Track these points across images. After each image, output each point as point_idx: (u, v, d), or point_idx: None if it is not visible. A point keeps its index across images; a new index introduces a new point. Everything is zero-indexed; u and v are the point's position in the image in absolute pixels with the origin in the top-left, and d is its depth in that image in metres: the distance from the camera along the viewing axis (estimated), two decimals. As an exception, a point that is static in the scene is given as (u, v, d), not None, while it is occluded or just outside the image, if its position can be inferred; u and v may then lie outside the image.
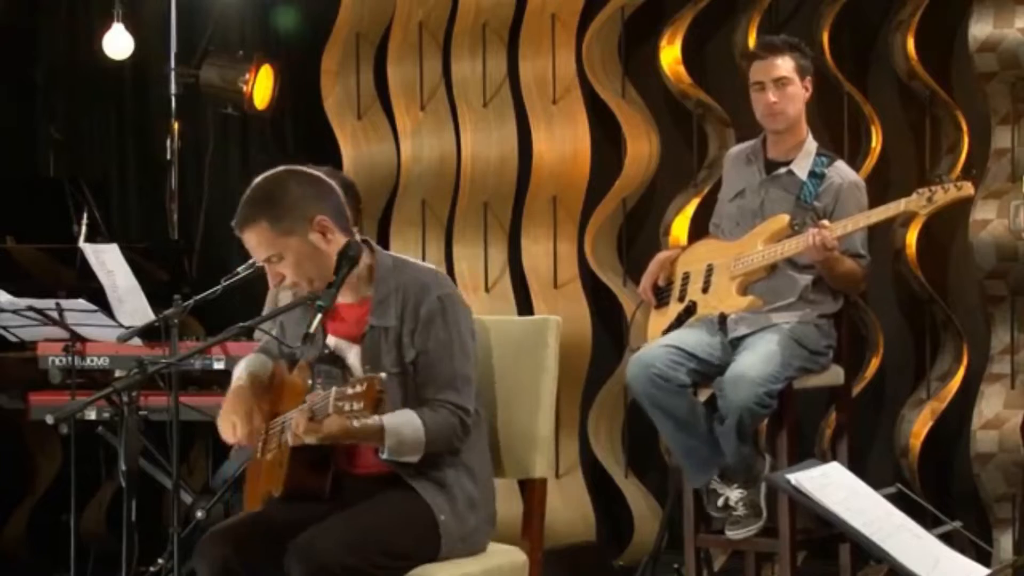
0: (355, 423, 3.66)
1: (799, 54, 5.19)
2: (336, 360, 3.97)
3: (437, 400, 3.86)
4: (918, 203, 4.87)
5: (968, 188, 4.84)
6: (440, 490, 3.86)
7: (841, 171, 5.19)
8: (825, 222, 4.96)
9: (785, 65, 5.16)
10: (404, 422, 3.79)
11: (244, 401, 4.01)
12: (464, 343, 3.92)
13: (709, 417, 5.09)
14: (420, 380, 3.88)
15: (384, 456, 3.82)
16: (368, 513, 3.82)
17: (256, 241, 3.87)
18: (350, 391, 3.59)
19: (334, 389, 3.63)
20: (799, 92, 5.17)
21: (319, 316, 3.88)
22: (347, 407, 3.59)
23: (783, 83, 5.15)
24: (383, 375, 3.61)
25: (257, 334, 4.23)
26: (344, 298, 3.97)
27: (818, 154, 5.20)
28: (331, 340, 3.99)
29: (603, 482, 6.49)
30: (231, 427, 3.99)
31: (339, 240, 3.88)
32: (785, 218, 5.09)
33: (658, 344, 5.11)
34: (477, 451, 3.96)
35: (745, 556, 5.54)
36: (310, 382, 3.92)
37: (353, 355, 3.96)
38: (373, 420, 3.70)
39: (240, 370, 4.13)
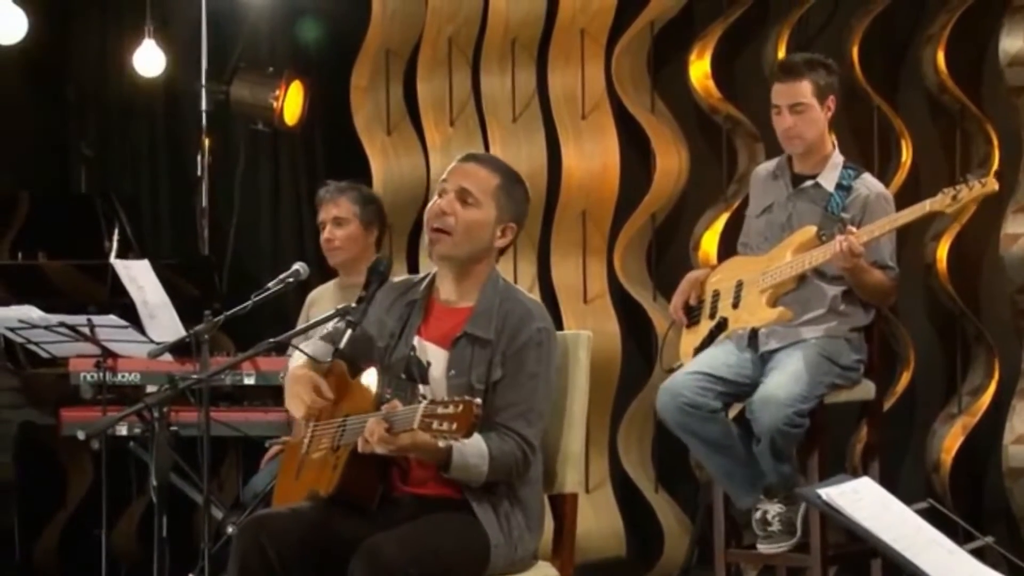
0: (441, 443, 3.63)
1: (823, 72, 5.13)
2: (416, 364, 3.92)
3: (507, 428, 3.82)
4: (943, 202, 4.83)
5: (992, 183, 4.80)
6: (496, 519, 3.84)
7: (868, 183, 5.16)
8: (852, 228, 4.94)
9: (802, 90, 5.10)
10: (472, 446, 3.74)
11: (310, 379, 3.94)
12: (549, 381, 3.91)
13: (746, 437, 5.07)
14: (497, 403, 3.84)
15: (445, 475, 3.78)
16: (432, 529, 3.78)
17: (475, 177, 3.88)
18: (441, 410, 3.52)
19: (423, 404, 3.57)
20: (818, 116, 5.12)
21: (348, 332, 3.88)
22: (436, 425, 3.52)
23: (800, 109, 5.11)
24: (479, 400, 3.54)
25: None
26: (446, 294, 3.97)
27: (845, 167, 5.17)
28: (415, 341, 3.95)
29: (633, 497, 6.48)
30: (301, 403, 3.91)
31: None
32: (812, 229, 5.07)
33: (685, 372, 5.09)
34: (532, 486, 3.94)
35: (776, 571, 5.52)
36: (376, 390, 3.85)
37: (438, 360, 3.91)
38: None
39: (301, 356, 4.08)
